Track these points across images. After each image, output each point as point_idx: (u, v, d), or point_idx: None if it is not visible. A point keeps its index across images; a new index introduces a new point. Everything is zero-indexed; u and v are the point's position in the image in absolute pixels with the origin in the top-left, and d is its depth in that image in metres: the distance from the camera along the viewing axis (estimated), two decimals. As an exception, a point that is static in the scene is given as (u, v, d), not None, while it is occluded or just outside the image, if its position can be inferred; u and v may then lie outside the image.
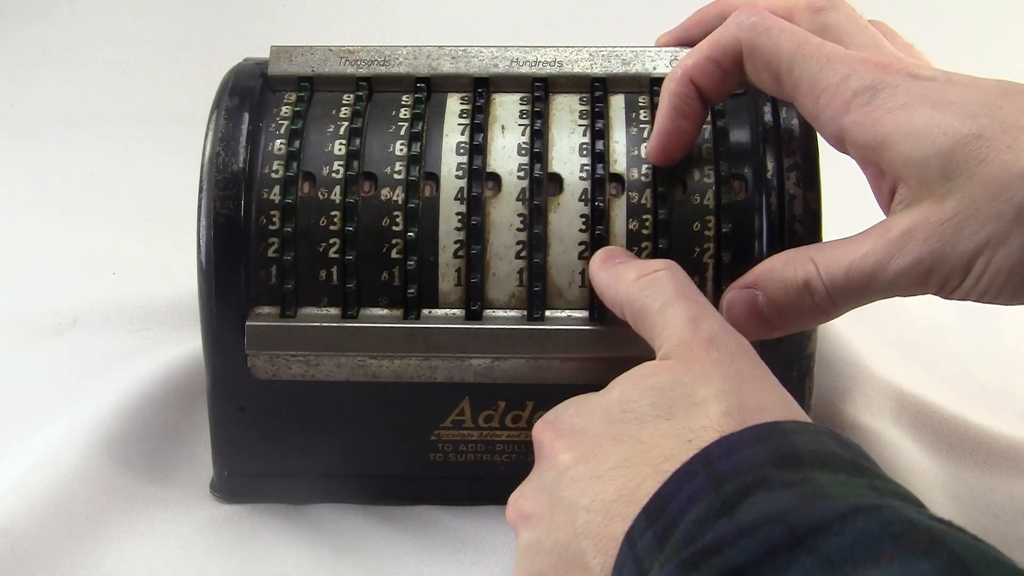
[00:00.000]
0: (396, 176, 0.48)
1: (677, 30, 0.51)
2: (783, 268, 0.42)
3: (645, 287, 0.42)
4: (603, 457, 0.37)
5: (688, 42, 0.50)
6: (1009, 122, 0.38)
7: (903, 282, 0.40)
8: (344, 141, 0.48)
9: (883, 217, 0.42)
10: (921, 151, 0.39)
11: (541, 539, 0.38)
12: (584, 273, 0.47)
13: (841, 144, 0.42)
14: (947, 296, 0.40)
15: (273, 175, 0.48)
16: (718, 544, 0.29)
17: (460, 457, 0.50)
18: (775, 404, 0.37)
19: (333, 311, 0.47)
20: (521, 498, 0.40)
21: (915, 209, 0.39)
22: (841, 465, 0.32)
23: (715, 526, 0.30)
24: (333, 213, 0.47)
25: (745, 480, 0.31)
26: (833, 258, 0.41)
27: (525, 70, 0.50)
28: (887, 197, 0.41)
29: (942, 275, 0.39)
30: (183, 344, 0.59)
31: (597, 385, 0.47)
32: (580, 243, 0.47)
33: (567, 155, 0.48)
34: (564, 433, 0.39)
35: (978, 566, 0.26)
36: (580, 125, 0.49)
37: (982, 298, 0.39)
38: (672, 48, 0.50)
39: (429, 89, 0.50)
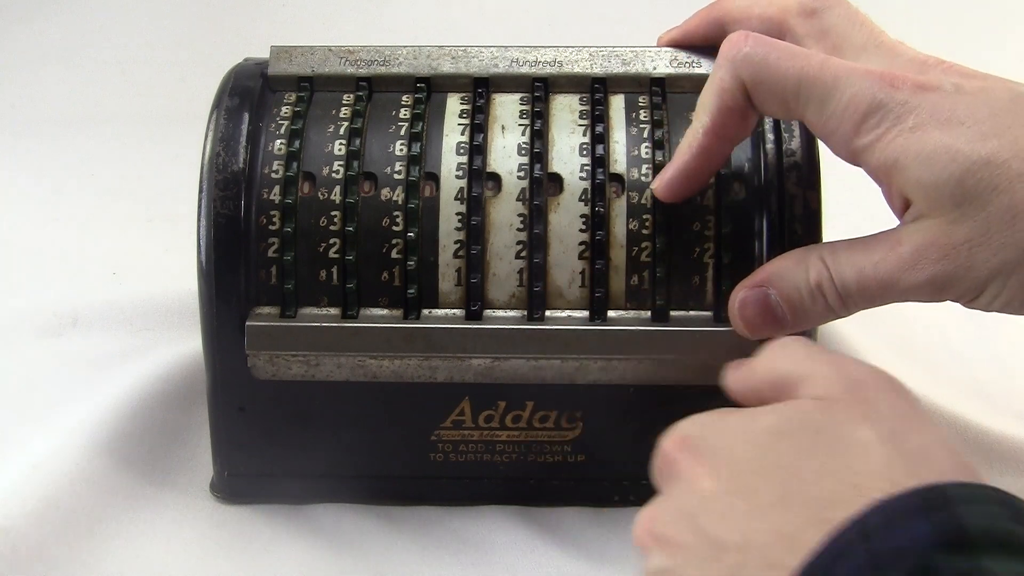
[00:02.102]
0: (396, 176, 0.48)
1: (677, 31, 0.51)
2: (795, 268, 0.42)
3: (776, 358, 0.39)
4: (754, 490, 0.34)
5: (689, 43, 0.50)
6: (1019, 144, 0.38)
7: (916, 296, 0.40)
8: (344, 141, 0.48)
9: (887, 218, 0.42)
10: (932, 177, 0.39)
11: (679, 569, 0.35)
12: (584, 273, 0.47)
13: (854, 163, 0.42)
14: (964, 305, 0.40)
15: (273, 175, 0.48)
16: None
17: (460, 457, 0.50)
18: (936, 448, 0.34)
19: (333, 311, 0.47)
20: (656, 520, 0.37)
21: (927, 226, 0.39)
22: (1018, 548, 0.28)
23: None
24: (333, 213, 0.47)
25: (909, 566, 0.28)
26: (845, 262, 0.41)
27: (525, 70, 0.50)
28: (900, 208, 0.41)
29: (957, 293, 0.39)
30: (183, 344, 0.59)
31: (600, 386, 0.47)
32: (580, 243, 0.47)
33: (567, 155, 0.48)
34: (704, 455, 0.37)
35: None
36: (580, 125, 0.49)
37: (1000, 311, 0.40)
38: (672, 49, 0.50)
39: (429, 89, 0.50)
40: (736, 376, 0.41)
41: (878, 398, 0.36)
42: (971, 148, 0.38)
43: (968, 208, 0.38)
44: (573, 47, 0.51)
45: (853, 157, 0.41)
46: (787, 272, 0.42)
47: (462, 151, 0.48)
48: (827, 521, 0.31)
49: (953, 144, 0.38)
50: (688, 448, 0.38)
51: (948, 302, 0.41)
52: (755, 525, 0.33)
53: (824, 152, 0.47)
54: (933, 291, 0.40)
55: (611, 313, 0.47)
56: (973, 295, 0.39)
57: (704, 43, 0.50)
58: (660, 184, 0.46)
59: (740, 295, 0.44)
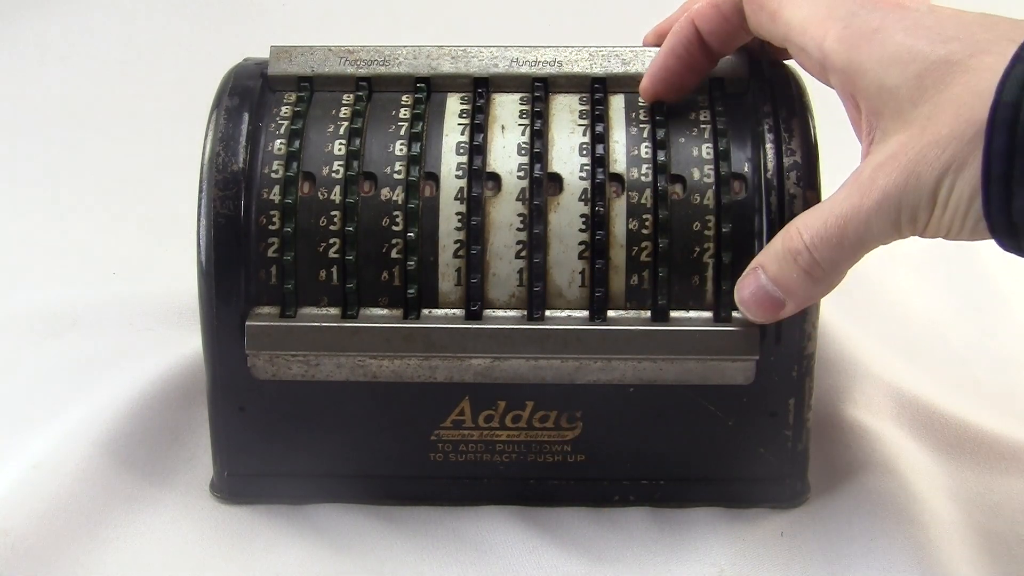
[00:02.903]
0: (396, 176, 0.48)
1: (662, 26, 0.51)
2: (775, 243, 0.43)
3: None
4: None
5: (671, 75, 0.49)
6: (980, 46, 0.37)
7: (876, 224, 0.39)
8: (344, 141, 0.48)
9: None
10: (893, 79, 0.39)
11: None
12: (584, 273, 0.47)
13: (824, 74, 0.42)
14: (921, 235, 0.39)
15: (273, 175, 0.48)
16: None
17: (460, 457, 0.50)
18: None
19: (333, 311, 0.47)
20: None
21: (885, 144, 0.39)
22: None
23: None
24: (333, 213, 0.47)
25: None
26: (814, 216, 0.41)
27: (525, 70, 0.50)
28: (866, 128, 0.41)
29: (910, 209, 0.38)
30: (183, 344, 0.59)
31: (600, 386, 0.47)
32: (580, 243, 0.47)
33: (567, 155, 0.48)
34: None
35: None
36: (580, 125, 0.49)
37: (950, 233, 0.38)
38: None
39: (429, 89, 0.50)
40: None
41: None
42: (931, 48, 0.38)
43: (923, 107, 0.38)
44: (573, 47, 0.51)
45: (823, 62, 0.41)
46: (770, 249, 0.43)
47: (462, 151, 0.48)
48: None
49: (914, 45, 0.38)
50: None
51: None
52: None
53: (824, 152, 0.47)
54: (888, 214, 0.38)
55: (611, 313, 0.47)
56: (927, 212, 0.38)
57: (689, 43, 0.48)
58: (643, 80, 0.48)
59: (739, 282, 0.44)
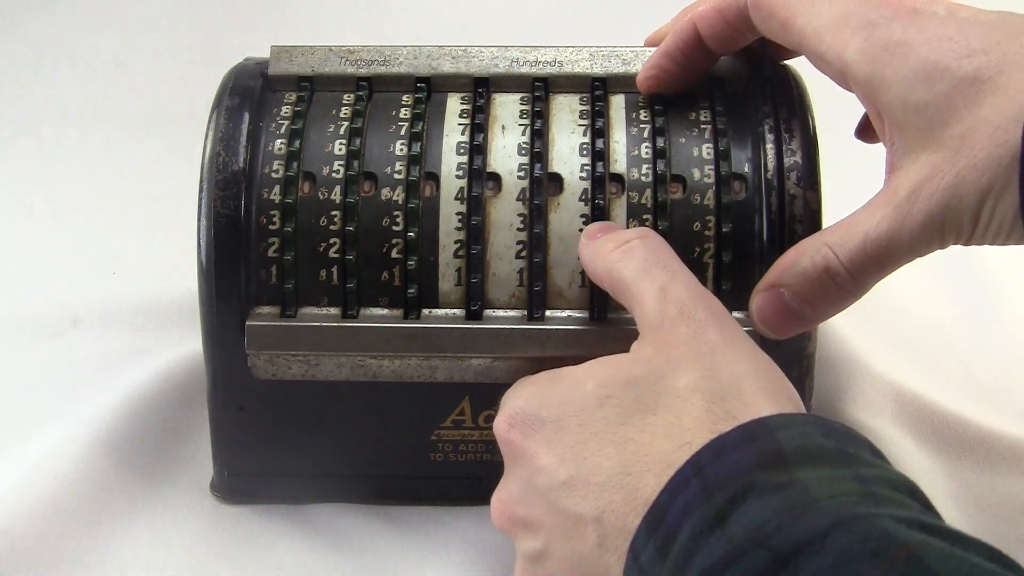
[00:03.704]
0: (396, 176, 0.48)
1: (665, 29, 0.50)
2: (799, 259, 0.42)
3: (620, 257, 0.42)
4: (595, 461, 0.36)
5: (670, 70, 0.49)
6: (1007, 60, 0.37)
7: (920, 242, 0.39)
8: (344, 141, 0.48)
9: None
10: (920, 95, 0.38)
11: (550, 548, 0.37)
12: (584, 273, 0.47)
13: (845, 82, 0.42)
14: (965, 244, 0.39)
15: (273, 175, 0.48)
16: (710, 571, 0.29)
17: (460, 457, 0.50)
18: (747, 373, 0.37)
19: (333, 311, 0.47)
20: (510, 503, 0.39)
21: (917, 163, 0.39)
22: (827, 458, 0.32)
23: (709, 541, 0.30)
24: (333, 213, 0.47)
25: (734, 488, 0.31)
26: (847, 235, 0.40)
27: (525, 70, 0.50)
28: (889, 135, 0.41)
29: (954, 228, 0.38)
30: (183, 344, 0.59)
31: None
32: (580, 243, 0.47)
33: (567, 155, 0.48)
34: (535, 430, 0.39)
35: None
36: (580, 125, 0.49)
37: (996, 241, 0.39)
38: None
39: (429, 89, 0.50)
40: (587, 250, 0.44)
41: (691, 332, 0.38)
42: (958, 64, 0.37)
43: (955, 128, 0.37)
44: (573, 47, 0.51)
45: (844, 72, 0.41)
46: (794, 266, 0.42)
47: (462, 151, 0.48)
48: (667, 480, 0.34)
49: (939, 60, 0.38)
50: (519, 425, 0.39)
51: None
52: (609, 496, 0.36)
53: (824, 152, 0.47)
54: (933, 233, 0.39)
55: (611, 313, 0.47)
56: (970, 227, 0.38)
57: (686, 46, 0.48)
58: (640, 73, 0.48)
59: (755, 300, 0.43)
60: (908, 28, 0.39)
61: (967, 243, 0.39)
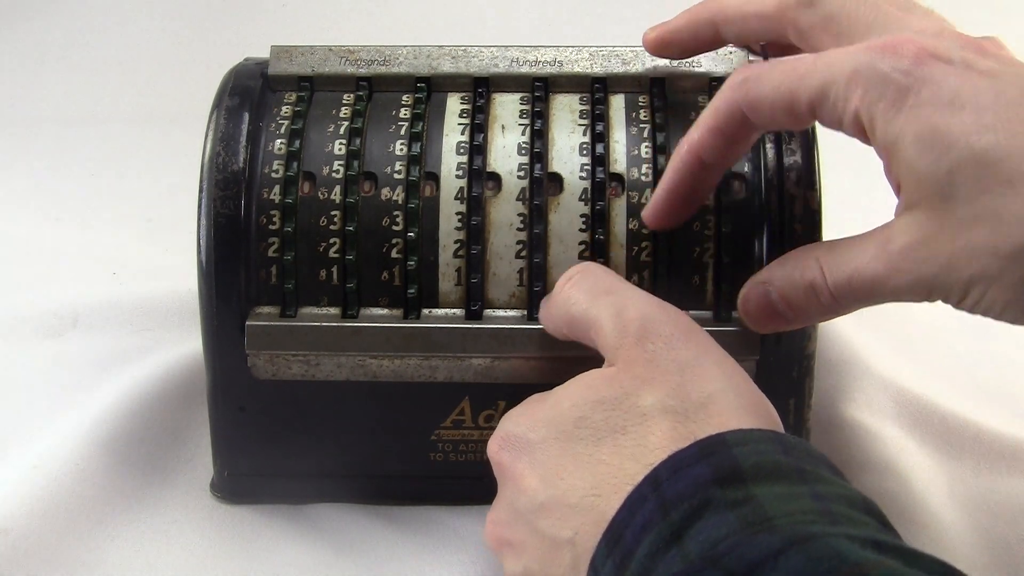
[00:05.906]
0: (396, 176, 0.48)
1: (662, 28, 0.49)
2: (792, 267, 0.42)
3: (567, 297, 0.42)
4: (570, 483, 0.37)
5: (679, 43, 0.49)
6: (1016, 143, 0.36)
7: (905, 296, 0.39)
8: (344, 141, 0.48)
9: (887, 218, 0.41)
10: (923, 166, 0.37)
11: (531, 570, 0.38)
12: (584, 273, 0.47)
13: (867, 142, 0.40)
14: (954, 307, 0.39)
15: (273, 175, 0.48)
16: None
17: (460, 457, 0.50)
18: (718, 391, 0.37)
19: (333, 311, 0.47)
20: (499, 524, 0.40)
21: (917, 221, 0.38)
22: (784, 475, 0.32)
23: (665, 559, 0.31)
24: (333, 213, 0.47)
25: (691, 505, 0.32)
26: (839, 261, 0.40)
27: (525, 70, 0.50)
28: (895, 188, 0.40)
29: (941, 295, 0.39)
30: (183, 344, 0.59)
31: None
32: (580, 243, 0.47)
33: (567, 155, 0.48)
34: (522, 452, 0.39)
35: None
36: (580, 125, 0.49)
37: (987, 315, 0.39)
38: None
39: (429, 89, 0.50)
40: (543, 315, 0.45)
41: (657, 349, 0.38)
42: (967, 140, 0.36)
43: (955, 204, 0.37)
44: (573, 47, 0.51)
45: (861, 133, 0.40)
46: (785, 271, 0.42)
47: (462, 151, 0.48)
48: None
49: (950, 132, 0.37)
50: (509, 447, 0.40)
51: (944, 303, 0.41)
52: (580, 519, 0.36)
53: (824, 152, 0.47)
54: (920, 293, 0.39)
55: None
56: (958, 298, 0.38)
57: (694, 43, 0.48)
58: (646, 210, 0.46)
59: (744, 290, 0.44)
60: (923, 89, 0.37)
61: (954, 306, 0.39)
